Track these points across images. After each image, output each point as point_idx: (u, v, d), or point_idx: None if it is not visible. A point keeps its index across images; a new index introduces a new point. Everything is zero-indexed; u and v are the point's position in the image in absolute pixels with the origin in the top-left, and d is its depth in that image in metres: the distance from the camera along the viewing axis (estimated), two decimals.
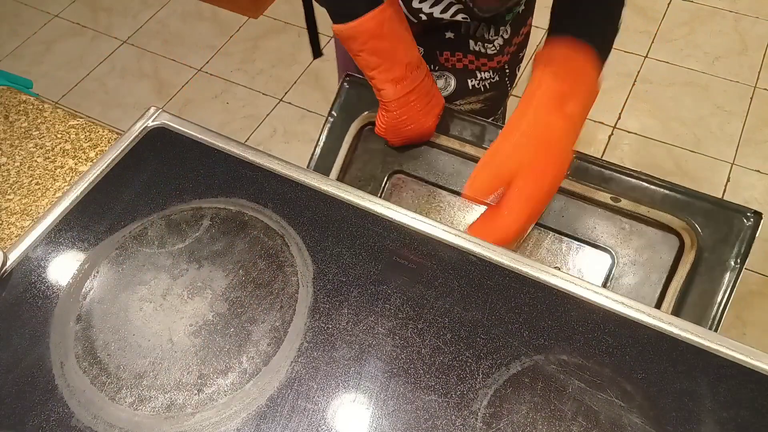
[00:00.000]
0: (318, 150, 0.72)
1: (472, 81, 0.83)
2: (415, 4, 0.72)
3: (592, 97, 0.59)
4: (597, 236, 0.64)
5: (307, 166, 0.69)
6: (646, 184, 0.62)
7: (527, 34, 0.87)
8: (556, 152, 0.56)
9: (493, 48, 0.80)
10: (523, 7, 0.80)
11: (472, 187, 0.58)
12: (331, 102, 0.72)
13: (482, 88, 0.84)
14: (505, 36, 0.80)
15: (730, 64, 1.87)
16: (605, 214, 0.64)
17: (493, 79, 0.84)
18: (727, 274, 0.57)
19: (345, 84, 0.72)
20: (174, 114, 0.66)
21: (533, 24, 0.90)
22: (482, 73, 0.83)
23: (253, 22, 2.14)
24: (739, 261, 0.57)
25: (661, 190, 0.62)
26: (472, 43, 0.80)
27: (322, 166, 0.72)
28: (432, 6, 0.73)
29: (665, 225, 0.62)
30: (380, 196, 0.70)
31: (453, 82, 0.84)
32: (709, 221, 0.59)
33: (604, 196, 0.63)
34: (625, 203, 0.63)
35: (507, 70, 0.85)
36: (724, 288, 0.57)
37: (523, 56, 0.93)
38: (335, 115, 0.72)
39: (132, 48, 2.09)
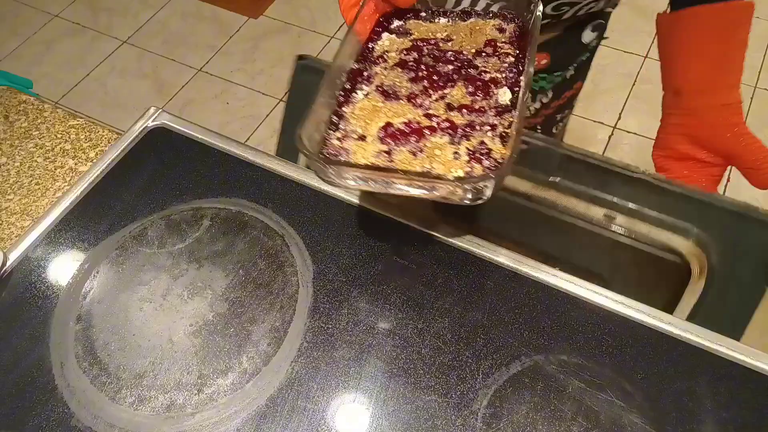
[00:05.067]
0: (283, 136, 0.67)
1: None
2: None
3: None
4: (588, 263, 0.58)
5: (276, 153, 0.65)
6: (645, 191, 0.55)
7: (572, 97, 0.80)
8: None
9: (528, 112, 0.74)
10: (572, 71, 0.74)
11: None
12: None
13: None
14: (544, 100, 0.74)
15: None
16: (597, 237, 0.56)
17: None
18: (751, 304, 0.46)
19: (299, 65, 0.64)
20: (174, 114, 0.66)
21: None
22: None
23: (253, 22, 2.14)
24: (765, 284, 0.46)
25: (663, 198, 0.53)
26: None
27: (288, 152, 0.65)
28: None
29: (668, 247, 0.54)
30: None
31: None
32: (723, 238, 0.48)
33: (597, 212, 0.55)
34: (621, 220, 0.55)
35: (539, 129, 0.79)
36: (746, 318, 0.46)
37: (563, 117, 0.84)
38: (294, 100, 0.66)
39: (132, 48, 2.09)
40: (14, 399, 0.47)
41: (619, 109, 1.81)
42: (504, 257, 0.54)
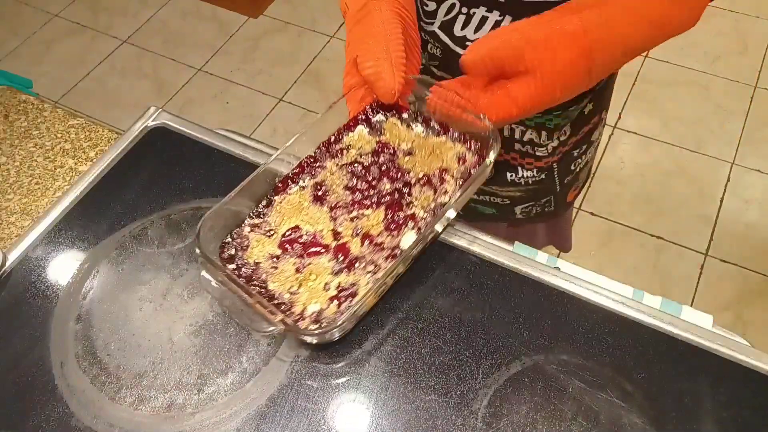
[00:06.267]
0: None
1: (512, 175, 0.74)
2: (458, 32, 0.60)
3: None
4: None
5: None
6: None
7: (590, 132, 0.74)
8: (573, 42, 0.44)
9: (545, 151, 0.70)
10: (590, 106, 0.69)
11: (470, 51, 0.46)
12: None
13: (522, 183, 0.75)
14: (562, 138, 0.69)
15: (730, 64, 1.87)
16: None
17: (537, 177, 0.74)
18: None
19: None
20: (174, 114, 0.66)
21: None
22: (525, 171, 0.73)
23: (253, 22, 2.14)
24: None
25: None
26: (518, 145, 0.70)
27: None
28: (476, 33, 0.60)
29: None
30: None
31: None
32: None
33: None
34: None
35: (556, 169, 0.74)
36: None
37: (581, 153, 0.76)
38: None
39: (132, 48, 2.09)
40: (14, 399, 0.47)
41: (619, 109, 1.80)
42: (504, 257, 0.53)
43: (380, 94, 0.50)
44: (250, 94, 1.94)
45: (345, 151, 0.54)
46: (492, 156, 0.48)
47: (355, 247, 0.48)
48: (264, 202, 0.52)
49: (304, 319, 0.45)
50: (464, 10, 0.59)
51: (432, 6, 0.60)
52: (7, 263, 0.55)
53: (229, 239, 0.50)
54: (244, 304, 0.45)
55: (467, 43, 0.61)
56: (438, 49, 0.64)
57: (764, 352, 0.48)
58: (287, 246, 0.49)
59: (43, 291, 0.53)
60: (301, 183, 0.53)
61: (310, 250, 0.49)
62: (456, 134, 0.52)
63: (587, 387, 0.46)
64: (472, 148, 0.51)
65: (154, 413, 0.46)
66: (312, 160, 0.54)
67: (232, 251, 0.50)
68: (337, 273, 0.47)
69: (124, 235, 0.56)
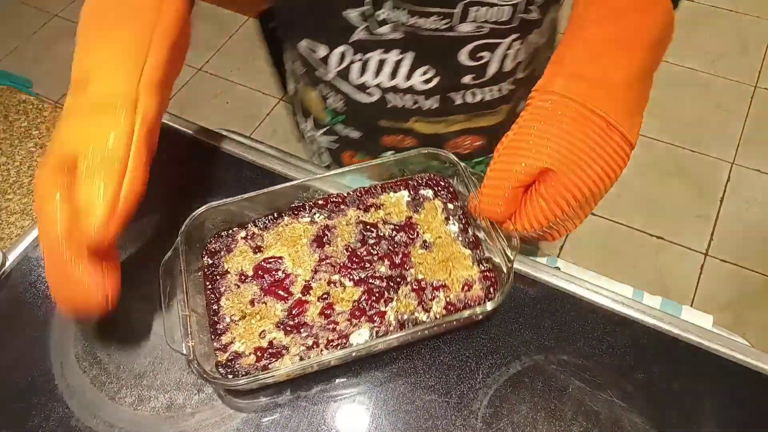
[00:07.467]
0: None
1: None
2: (355, 80, 0.56)
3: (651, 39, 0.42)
4: None
5: None
6: None
7: None
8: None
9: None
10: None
11: (484, 204, 0.44)
12: None
13: None
14: None
15: (730, 64, 1.87)
16: None
17: None
18: None
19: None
20: (174, 114, 0.66)
21: None
22: None
23: (253, 21, 2.14)
24: None
25: None
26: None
27: None
28: (393, 77, 0.55)
29: None
30: None
31: None
32: None
33: None
34: None
35: None
36: None
37: None
38: None
39: None
40: (14, 399, 0.47)
41: None
42: None
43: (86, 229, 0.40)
44: (249, 94, 1.94)
45: (373, 210, 0.52)
46: (489, 306, 0.46)
47: (311, 312, 0.47)
48: (275, 215, 0.52)
49: (225, 352, 0.46)
50: (357, 57, 0.54)
51: (322, 51, 0.56)
52: (7, 263, 0.55)
53: (225, 234, 0.51)
54: (180, 309, 0.46)
55: (368, 90, 0.57)
56: (340, 102, 0.61)
57: (764, 352, 0.48)
58: (260, 272, 0.49)
59: (43, 291, 0.53)
60: (315, 217, 0.52)
61: (274, 291, 0.48)
62: (482, 255, 0.50)
63: (587, 387, 0.46)
64: (484, 281, 0.49)
65: (154, 413, 0.46)
66: (340, 199, 0.53)
67: (218, 247, 0.51)
68: (279, 326, 0.47)
69: (124, 235, 0.56)
